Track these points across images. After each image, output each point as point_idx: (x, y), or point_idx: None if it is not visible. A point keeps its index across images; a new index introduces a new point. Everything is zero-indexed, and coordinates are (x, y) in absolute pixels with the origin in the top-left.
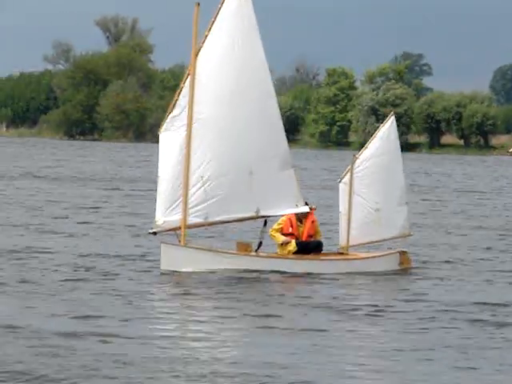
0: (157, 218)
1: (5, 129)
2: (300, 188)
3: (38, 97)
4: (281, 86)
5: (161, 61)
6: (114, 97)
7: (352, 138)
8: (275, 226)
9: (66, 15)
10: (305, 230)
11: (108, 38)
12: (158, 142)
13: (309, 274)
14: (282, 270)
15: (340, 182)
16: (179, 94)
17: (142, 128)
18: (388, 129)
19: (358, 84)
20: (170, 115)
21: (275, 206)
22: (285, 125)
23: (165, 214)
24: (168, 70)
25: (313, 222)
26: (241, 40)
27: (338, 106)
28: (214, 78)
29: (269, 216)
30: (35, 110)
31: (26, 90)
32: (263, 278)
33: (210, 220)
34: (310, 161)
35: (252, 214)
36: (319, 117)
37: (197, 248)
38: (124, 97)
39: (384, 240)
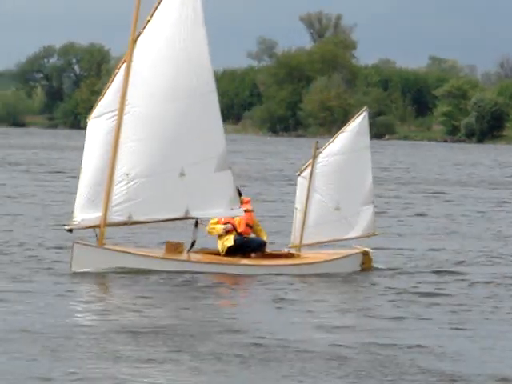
0: (74, 214)
1: None
2: (236, 189)
3: (241, 93)
4: (485, 82)
5: (364, 57)
6: (318, 93)
7: None
8: (211, 221)
9: (270, 11)
10: (241, 220)
11: (312, 34)
12: None
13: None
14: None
15: (299, 175)
16: (112, 80)
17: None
18: (359, 124)
19: None
20: (100, 102)
21: (207, 207)
22: (489, 121)
23: (83, 210)
24: (371, 65)
25: (246, 211)
26: (184, 31)
27: None
28: (150, 69)
29: (199, 217)
30: (239, 106)
31: (230, 87)
32: (185, 281)
33: (134, 219)
34: None
35: (181, 214)
36: None
37: (114, 249)
38: (328, 93)
39: (344, 239)
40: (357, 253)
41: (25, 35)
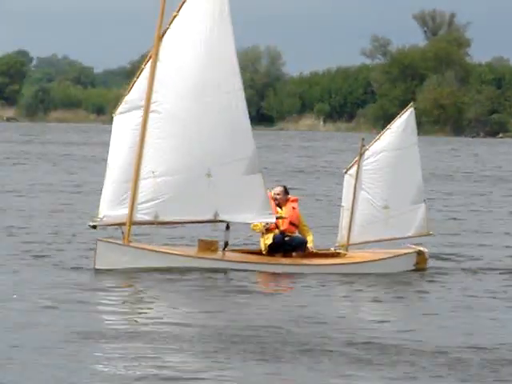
0: (100, 211)
1: (322, 123)
2: (267, 194)
3: (355, 91)
4: None
5: (478, 55)
6: (432, 91)
7: None
8: None
9: (384, 10)
10: (286, 217)
11: (425, 32)
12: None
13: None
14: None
15: (346, 172)
16: (139, 75)
17: (460, 122)
18: (405, 121)
19: None
20: (126, 97)
21: (237, 211)
22: None
23: (109, 207)
24: (485, 63)
25: (294, 208)
26: (211, 27)
27: None
28: (176, 65)
29: (229, 221)
30: (352, 104)
31: (344, 85)
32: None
33: (161, 219)
34: None
35: (210, 217)
36: None
37: (139, 247)
38: (441, 91)
39: (395, 239)
40: (409, 252)
41: (138, 32)
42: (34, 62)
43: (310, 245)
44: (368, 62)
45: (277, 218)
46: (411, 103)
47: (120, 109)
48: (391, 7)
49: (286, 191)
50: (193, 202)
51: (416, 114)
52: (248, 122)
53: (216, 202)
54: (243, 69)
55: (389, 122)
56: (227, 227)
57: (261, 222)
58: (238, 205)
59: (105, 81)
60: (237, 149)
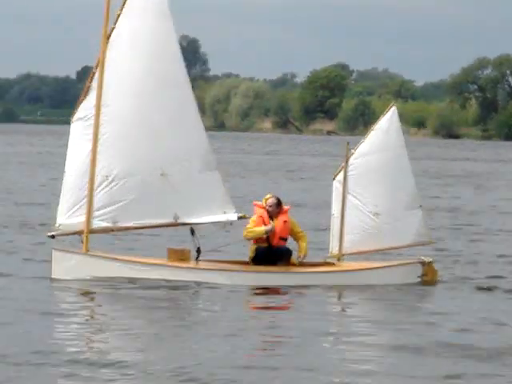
0: (57, 219)
1: None
2: (228, 192)
3: None
4: None
5: None
6: None
7: None
8: (249, 225)
9: None
10: (276, 231)
11: None
12: None
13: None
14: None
15: (334, 179)
16: (91, 79)
17: None
18: (388, 121)
19: None
20: (82, 103)
21: (197, 212)
22: None
23: (66, 216)
24: None
25: (285, 221)
26: (151, 23)
27: None
28: (123, 66)
29: (191, 224)
30: None
31: None
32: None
33: (120, 225)
34: None
35: (170, 220)
36: None
37: (98, 256)
38: None
39: (392, 248)
40: (410, 263)
41: (460, 47)
42: (354, 76)
43: (302, 252)
44: None
45: (238, 218)
46: (393, 102)
47: (76, 115)
48: None
49: (278, 203)
50: (150, 204)
51: None
52: (198, 117)
53: (174, 202)
54: None
55: None
56: (192, 232)
57: (259, 229)
58: (196, 204)
59: (425, 94)
60: (190, 146)
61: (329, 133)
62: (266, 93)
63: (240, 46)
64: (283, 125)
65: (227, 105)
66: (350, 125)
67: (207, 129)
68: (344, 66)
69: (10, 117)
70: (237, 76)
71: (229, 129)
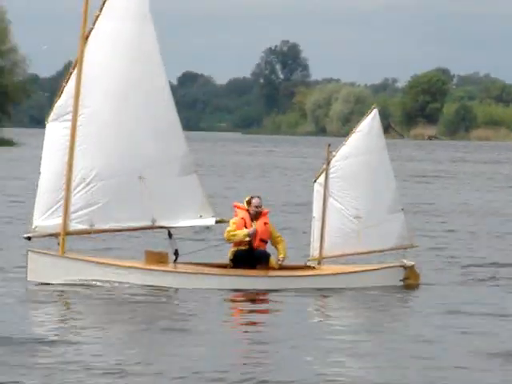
0: (33, 221)
1: None
2: (206, 196)
3: None
4: None
5: None
6: None
7: None
8: (230, 228)
9: None
10: (257, 233)
11: None
12: None
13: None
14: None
15: (315, 181)
16: (67, 80)
17: None
18: (369, 124)
19: None
20: (57, 104)
21: (174, 215)
22: None
23: (43, 217)
24: None
25: (265, 223)
26: (131, 26)
27: None
28: (100, 66)
29: (168, 227)
30: None
31: None
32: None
33: (97, 227)
34: None
35: (148, 223)
36: None
37: (75, 258)
38: None
39: (373, 252)
40: (392, 266)
41: None
42: (455, 80)
43: (281, 255)
44: None
45: (216, 222)
46: (374, 104)
47: (51, 115)
48: None
49: (259, 205)
50: (127, 207)
51: None
52: (177, 121)
53: (152, 205)
54: None
55: None
56: (170, 235)
57: (241, 232)
58: (174, 208)
59: None
60: (167, 149)
61: (430, 138)
62: (367, 98)
63: (340, 51)
64: (384, 130)
65: (328, 110)
66: (451, 129)
67: (308, 133)
68: (445, 71)
69: None
70: (337, 81)
71: (330, 134)
